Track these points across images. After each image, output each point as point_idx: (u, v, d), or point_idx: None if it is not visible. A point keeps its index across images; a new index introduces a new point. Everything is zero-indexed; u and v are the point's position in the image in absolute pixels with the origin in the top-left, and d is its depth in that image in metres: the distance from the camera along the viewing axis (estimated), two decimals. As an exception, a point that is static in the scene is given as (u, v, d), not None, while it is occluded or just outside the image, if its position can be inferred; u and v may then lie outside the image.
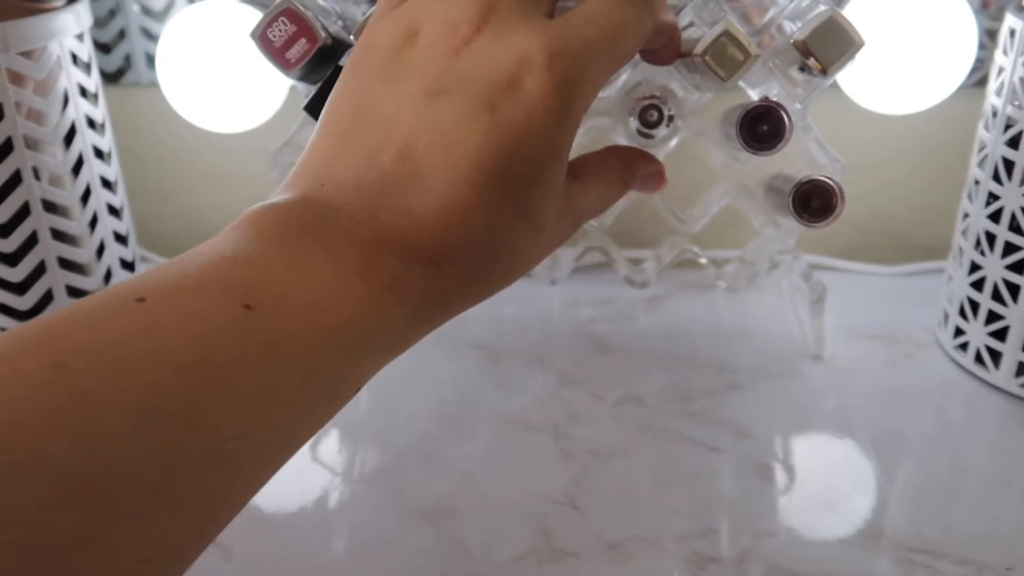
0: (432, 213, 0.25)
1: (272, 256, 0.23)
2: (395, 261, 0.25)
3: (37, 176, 0.49)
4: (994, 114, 0.48)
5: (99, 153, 0.54)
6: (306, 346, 0.22)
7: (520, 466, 0.44)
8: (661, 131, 0.50)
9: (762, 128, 0.43)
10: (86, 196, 0.52)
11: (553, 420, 0.48)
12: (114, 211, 0.56)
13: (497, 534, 0.40)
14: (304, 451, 0.45)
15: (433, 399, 0.50)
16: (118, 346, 0.19)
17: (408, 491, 0.43)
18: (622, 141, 0.53)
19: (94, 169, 0.53)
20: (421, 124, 0.25)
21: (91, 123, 0.52)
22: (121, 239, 0.57)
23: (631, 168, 0.32)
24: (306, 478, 0.44)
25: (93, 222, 0.53)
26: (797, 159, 0.51)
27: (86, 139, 0.52)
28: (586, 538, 0.40)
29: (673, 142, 0.55)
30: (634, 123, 0.49)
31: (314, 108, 0.37)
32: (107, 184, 0.55)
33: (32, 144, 0.48)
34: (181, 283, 0.21)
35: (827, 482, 0.43)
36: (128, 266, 0.58)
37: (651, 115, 0.50)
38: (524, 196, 0.26)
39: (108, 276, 0.55)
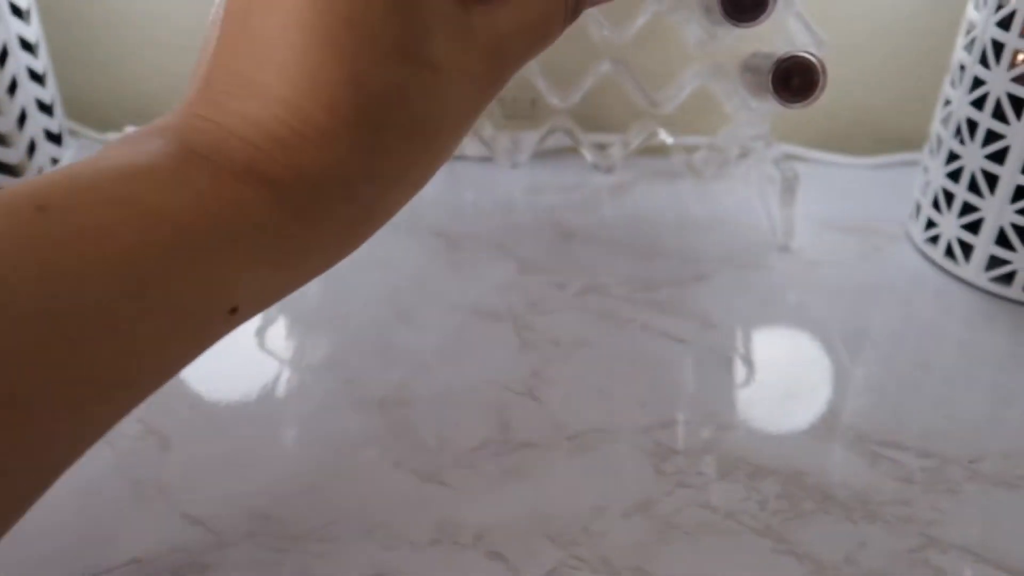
0: (274, 80, 0.21)
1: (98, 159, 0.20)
2: (244, 144, 0.21)
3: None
4: (986, -7, 0.45)
5: (16, 11, 0.48)
6: (120, 245, 0.19)
7: (478, 356, 0.43)
8: None
9: (745, -3, 0.40)
10: (2, 58, 0.47)
11: (513, 309, 0.46)
12: (36, 77, 0.51)
13: (453, 425, 0.38)
14: (250, 338, 0.43)
15: (388, 286, 0.47)
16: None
17: (360, 380, 0.41)
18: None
19: (11, 29, 0.48)
20: None
21: (5, -24, 0.47)
22: (45, 108, 0.52)
23: None
24: (252, 367, 0.41)
25: (12, 88, 0.48)
26: (776, 37, 0.48)
27: (0, -6, 0.47)
28: (546, 429, 0.38)
29: (644, 18, 0.51)
30: None
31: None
32: (27, 47, 0.50)
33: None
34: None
35: (791, 374, 0.42)
36: (54, 138, 0.53)
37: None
38: (386, 28, 0.21)
39: (32, 148, 0.50)
